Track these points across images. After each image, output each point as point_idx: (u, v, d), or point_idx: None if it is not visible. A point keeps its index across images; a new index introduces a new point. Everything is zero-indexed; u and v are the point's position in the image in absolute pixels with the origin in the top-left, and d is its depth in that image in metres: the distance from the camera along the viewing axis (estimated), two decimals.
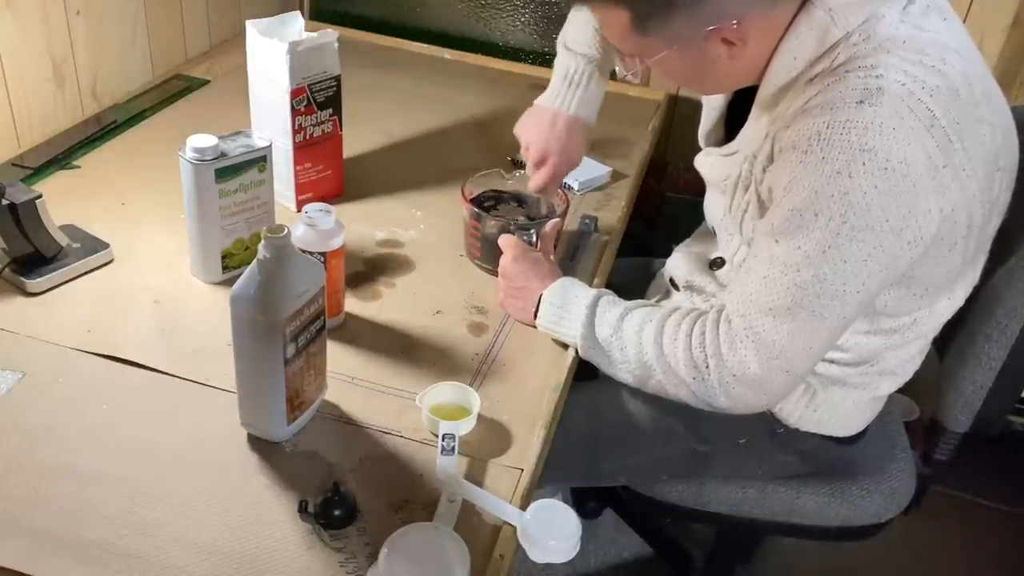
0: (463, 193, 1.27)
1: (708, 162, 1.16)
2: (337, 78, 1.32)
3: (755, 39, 0.95)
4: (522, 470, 0.97)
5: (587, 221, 1.40)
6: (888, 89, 0.88)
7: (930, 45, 0.92)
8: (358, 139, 1.55)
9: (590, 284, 1.20)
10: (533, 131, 1.32)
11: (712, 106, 1.18)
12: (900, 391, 1.19)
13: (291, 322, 0.90)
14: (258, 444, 0.97)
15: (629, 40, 0.98)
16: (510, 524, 0.90)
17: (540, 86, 1.37)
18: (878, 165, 0.88)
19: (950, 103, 0.90)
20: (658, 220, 2.05)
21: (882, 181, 0.88)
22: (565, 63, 1.31)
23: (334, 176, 1.40)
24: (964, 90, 0.91)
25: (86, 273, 1.18)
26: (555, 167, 1.29)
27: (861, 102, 0.89)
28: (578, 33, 1.30)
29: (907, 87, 0.89)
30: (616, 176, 1.56)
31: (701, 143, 1.20)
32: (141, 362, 1.05)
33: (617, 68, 1.05)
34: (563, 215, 1.28)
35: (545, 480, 1.09)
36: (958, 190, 0.92)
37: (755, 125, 1.05)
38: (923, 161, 0.89)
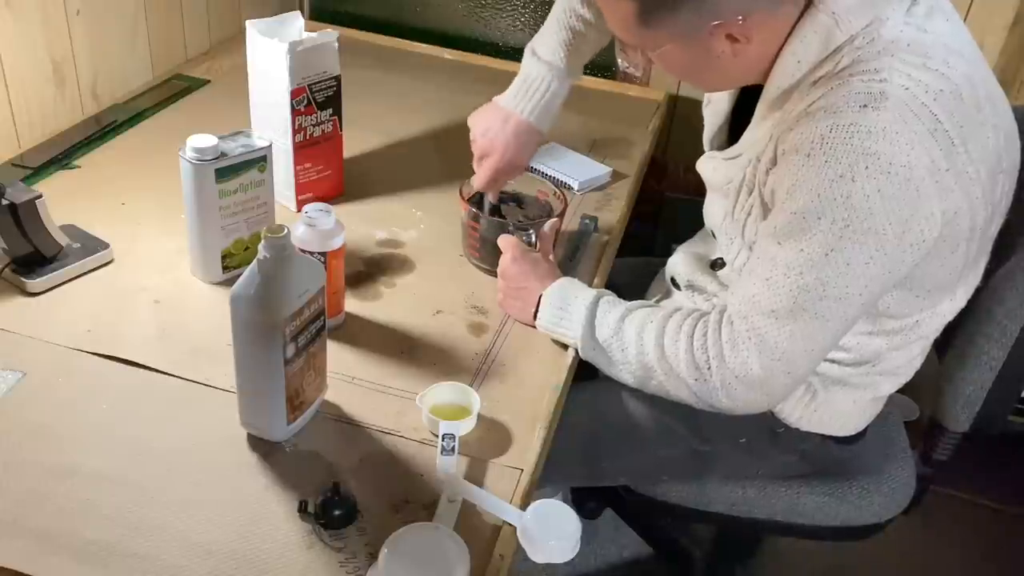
0: (461, 193, 1.27)
1: (710, 166, 1.16)
2: (337, 78, 1.32)
3: (759, 38, 0.95)
4: (522, 470, 0.97)
5: (587, 221, 1.40)
6: (892, 93, 0.88)
7: (934, 48, 0.91)
8: (358, 139, 1.55)
9: (590, 284, 1.20)
10: (483, 125, 1.32)
11: (716, 110, 1.17)
12: (900, 391, 1.19)
13: (291, 322, 0.90)
14: (258, 444, 0.97)
15: (633, 32, 0.98)
16: (510, 524, 0.89)
17: None
18: (881, 169, 0.88)
19: (953, 107, 0.90)
20: (658, 220, 2.05)
21: (885, 185, 0.88)
22: (528, 68, 1.31)
23: (334, 176, 1.40)
24: (967, 93, 0.91)
25: (86, 273, 1.18)
26: (496, 165, 1.29)
27: (865, 106, 0.89)
28: (547, 43, 1.30)
29: (911, 91, 0.89)
30: (616, 176, 1.56)
31: (706, 148, 1.20)
32: (141, 362, 1.05)
33: (619, 61, 1.05)
34: (562, 215, 1.28)
35: (545, 480, 1.09)
36: (960, 193, 0.92)
37: (758, 128, 1.04)
38: (926, 165, 0.89)
